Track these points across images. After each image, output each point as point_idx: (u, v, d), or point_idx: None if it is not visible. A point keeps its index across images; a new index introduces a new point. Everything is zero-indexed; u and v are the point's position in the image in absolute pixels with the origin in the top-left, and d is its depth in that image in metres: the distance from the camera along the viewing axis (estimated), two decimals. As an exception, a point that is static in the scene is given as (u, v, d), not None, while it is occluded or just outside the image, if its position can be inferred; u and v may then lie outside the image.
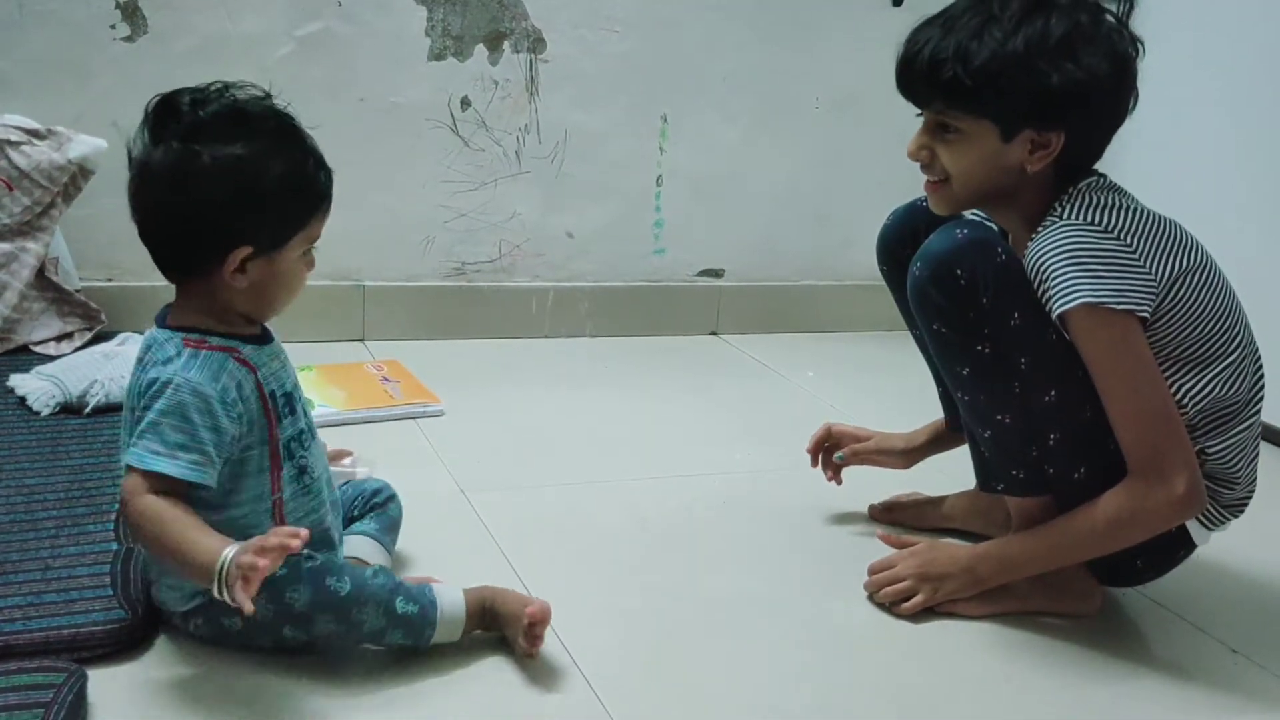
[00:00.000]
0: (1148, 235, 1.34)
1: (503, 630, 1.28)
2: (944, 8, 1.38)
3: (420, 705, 1.19)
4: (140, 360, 1.20)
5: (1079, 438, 1.39)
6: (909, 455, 1.74)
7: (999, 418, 1.42)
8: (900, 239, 1.58)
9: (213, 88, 1.17)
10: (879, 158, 2.78)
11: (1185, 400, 1.36)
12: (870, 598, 1.48)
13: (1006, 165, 1.37)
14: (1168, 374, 1.36)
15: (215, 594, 1.08)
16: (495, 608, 1.27)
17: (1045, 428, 1.40)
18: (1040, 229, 1.36)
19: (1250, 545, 1.69)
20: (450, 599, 1.25)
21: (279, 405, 1.23)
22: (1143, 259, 1.33)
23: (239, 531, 1.15)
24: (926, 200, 1.53)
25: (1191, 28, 2.40)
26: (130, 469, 1.14)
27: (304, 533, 1.08)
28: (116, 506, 1.48)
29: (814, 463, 1.76)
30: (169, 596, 1.23)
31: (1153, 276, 1.32)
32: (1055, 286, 1.31)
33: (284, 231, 1.20)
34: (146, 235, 1.19)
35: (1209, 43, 2.41)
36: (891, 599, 1.47)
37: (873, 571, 1.51)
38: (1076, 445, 1.40)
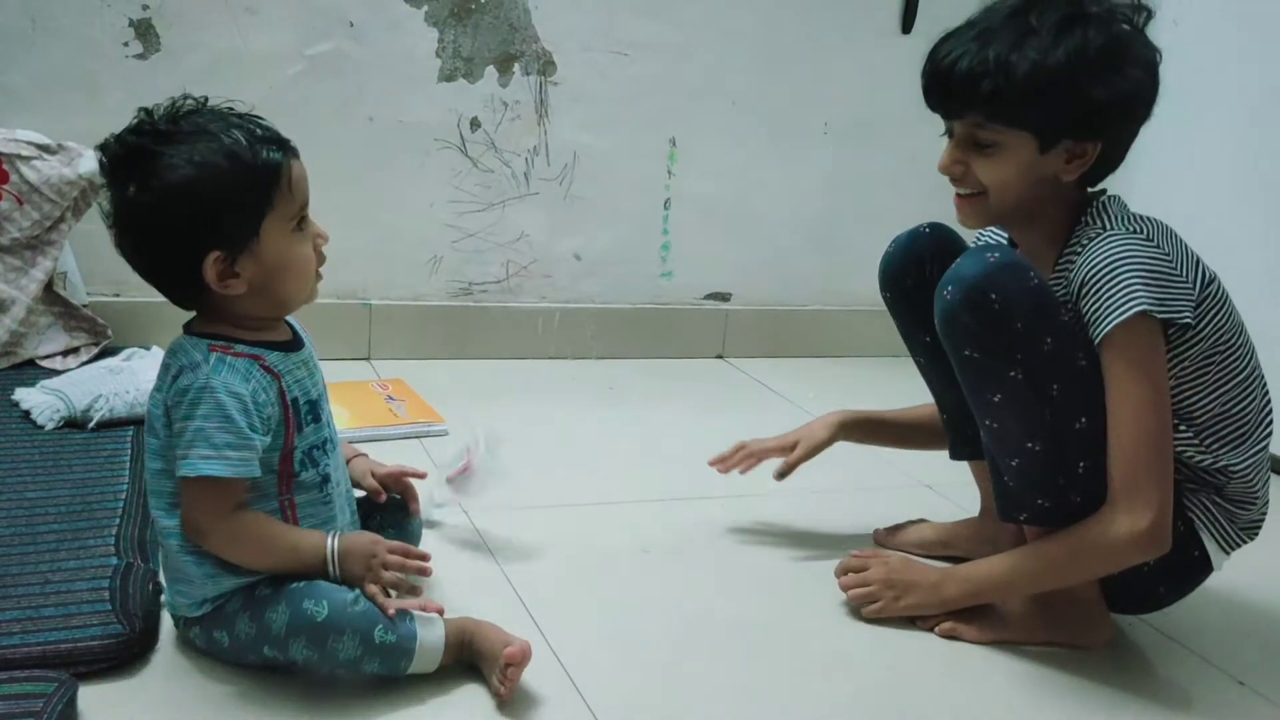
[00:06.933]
0: (1174, 247, 1.35)
1: (479, 666, 1.25)
2: (969, 20, 1.36)
3: (418, 726, 1.18)
4: (166, 365, 1.21)
5: (1106, 466, 1.36)
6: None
7: (1029, 445, 1.38)
8: (904, 266, 1.57)
9: (132, 123, 1.19)
10: (888, 183, 2.80)
11: (1211, 403, 1.36)
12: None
13: (1042, 175, 1.36)
14: (1198, 379, 1.35)
15: (331, 573, 1.21)
16: (474, 643, 1.25)
17: (1075, 455, 1.36)
18: (1083, 243, 1.35)
19: (1258, 576, 1.68)
20: (431, 631, 1.23)
21: (301, 413, 1.24)
22: (1179, 268, 1.32)
23: None
24: (928, 228, 1.52)
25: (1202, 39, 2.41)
26: (185, 481, 1.17)
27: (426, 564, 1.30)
28: (118, 521, 1.48)
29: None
30: (177, 602, 1.24)
31: (1190, 285, 1.32)
32: (1113, 296, 1.29)
33: (245, 223, 1.17)
34: (137, 271, 1.23)
35: (1221, 55, 2.42)
36: (856, 601, 1.49)
37: (844, 571, 1.53)
38: (1104, 474, 1.36)
